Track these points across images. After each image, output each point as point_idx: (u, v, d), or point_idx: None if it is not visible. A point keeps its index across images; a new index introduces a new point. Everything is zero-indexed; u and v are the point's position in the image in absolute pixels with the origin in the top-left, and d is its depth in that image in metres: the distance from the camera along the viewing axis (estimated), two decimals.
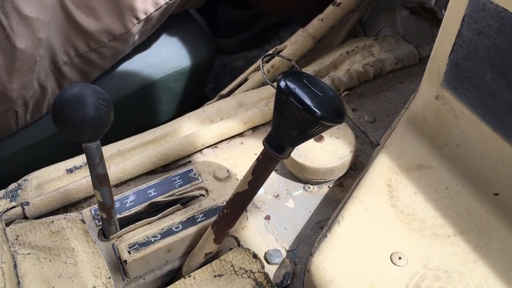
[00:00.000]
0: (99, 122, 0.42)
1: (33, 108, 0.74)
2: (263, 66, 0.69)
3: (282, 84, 0.38)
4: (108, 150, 0.61)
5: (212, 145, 0.62)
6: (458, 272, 0.43)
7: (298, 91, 0.37)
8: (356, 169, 0.59)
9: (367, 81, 0.69)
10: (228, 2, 1.28)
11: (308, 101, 0.37)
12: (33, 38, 0.66)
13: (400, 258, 0.44)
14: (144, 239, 0.50)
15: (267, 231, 0.53)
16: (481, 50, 0.48)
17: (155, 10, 0.78)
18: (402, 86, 0.69)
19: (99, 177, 0.46)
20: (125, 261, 0.48)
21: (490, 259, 0.44)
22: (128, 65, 0.84)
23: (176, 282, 0.48)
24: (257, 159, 0.43)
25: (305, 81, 0.39)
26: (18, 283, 0.47)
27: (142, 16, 0.76)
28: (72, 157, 0.61)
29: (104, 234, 0.52)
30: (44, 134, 0.78)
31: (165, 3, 0.79)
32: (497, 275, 0.43)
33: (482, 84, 0.49)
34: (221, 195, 0.55)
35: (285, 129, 0.39)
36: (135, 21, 0.76)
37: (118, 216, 0.53)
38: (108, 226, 0.50)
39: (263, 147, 0.42)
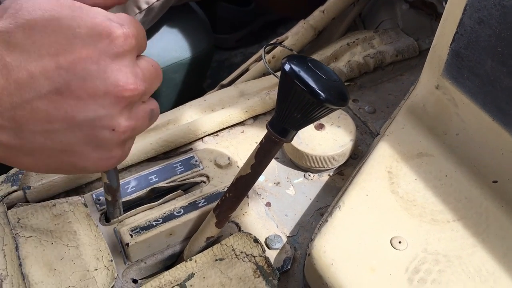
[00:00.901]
0: None
1: None
2: (265, 56, 0.70)
3: (287, 67, 0.38)
4: None
5: (213, 133, 0.62)
6: (457, 257, 0.44)
7: (303, 74, 0.38)
8: (356, 158, 0.59)
9: (367, 73, 0.69)
10: None
11: (312, 84, 0.37)
12: None
13: (400, 242, 0.45)
14: (145, 223, 0.50)
15: (267, 217, 0.54)
16: (482, 39, 0.48)
17: (157, 0, 0.78)
18: (402, 78, 0.70)
19: None
20: (127, 244, 0.48)
21: (488, 244, 0.45)
22: None
23: (178, 266, 0.48)
24: (260, 143, 0.43)
25: (309, 64, 0.39)
26: (20, 265, 0.47)
27: (144, 6, 0.77)
28: None
29: (106, 218, 0.53)
30: None
31: None
32: (495, 260, 0.44)
33: (483, 73, 0.49)
34: (222, 181, 0.56)
35: (289, 112, 0.40)
36: (137, 11, 0.76)
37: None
38: (112, 209, 0.50)
39: (263, 136, 0.42)
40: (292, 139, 0.42)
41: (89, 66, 0.33)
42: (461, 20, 0.50)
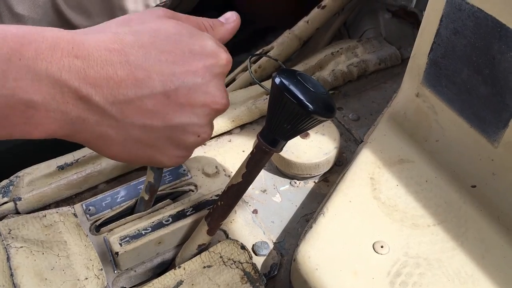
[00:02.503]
0: None
1: None
2: (250, 66, 0.71)
3: (277, 80, 0.40)
4: None
5: None
6: (437, 260, 0.45)
7: (292, 87, 0.40)
8: (341, 165, 0.61)
9: (351, 81, 0.71)
10: (215, 7, 1.30)
11: (301, 96, 0.39)
12: None
13: (382, 247, 0.46)
14: (135, 232, 0.51)
15: (254, 224, 0.55)
16: (458, 49, 0.50)
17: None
18: (385, 85, 0.72)
19: None
20: (117, 253, 0.49)
21: (467, 247, 0.46)
22: None
23: (167, 273, 0.49)
24: (251, 153, 0.45)
25: (298, 77, 0.41)
26: (11, 275, 0.48)
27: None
28: (63, 155, 0.62)
29: (96, 228, 0.54)
30: None
31: (155, 5, 0.80)
32: (474, 262, 0.45)
33: (459, 81, 0.51)
34: (209, 190, 0.57)
35: (279, 123, 0.41)
36: None
37: (110, 211, 0.54)
38: (143, 208, 0.52)
39: (251, 145, 0.44)
40: (281, 149, 0.44)
41: (196, 79, 0.38)
42: (438, 31, 0.52)
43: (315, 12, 0.75)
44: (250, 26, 1.40)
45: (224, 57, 0.41)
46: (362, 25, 0.83)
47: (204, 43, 0.39)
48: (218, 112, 0.41)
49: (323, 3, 0.75)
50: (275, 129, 0.42)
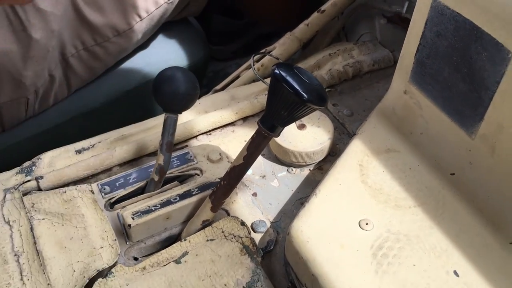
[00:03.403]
0: (188, 98, 0.55)
1: (41, 97, 0.81)
2: (254, 64, 0.77)
3: (276, 72, 0.46)
4: (113, 135, 0.68)
5: (206, 132, 0.69)
6: (416, 236, 0.51)
7: (289, 78, 0.45)
8: (334, 155, 0.66)
9: (347, 80, 0.77)
10: (222, 11, 1.36)
11: (297, 86, 0.44)
12: (47, 29, 0.73)
13: (367, 224, 0.52)
14: (145, 208, 0.57)
15: (254, 205, 0.60)
16: (440, 50, 0.56)
17: (156, 9, 0.86)
18: (378, 85, 0.77)
19: (168, 144, 0.57)
20: (129, 225, 0.55)
21: (443, 226, 0.52)
22: (129, 63, 0.92)
23: (173, 245, 0.54)
24: (252, 137, 0.50)
25: (295, 70, 0.46)
26: (34, 243, 0.54)
27: (144, 14, 0.84)
28: None
29: (110, 205, 0.59)
30: (50, 123, 0.85)
31: (164, 3, 0.87)
32: (449, 239, 0.51)
33: (442, 79, 0.57)
34: (213, 174, 0.62)
35: (277, 111, 0.47)
36: (138, 19, 0.84)
37: (122, 191, 0.60)
38: (153, 189, 0.59)
39: (252, 134, 0.50)
40: (279, 134, 0.50)
41: None
42: (423, 33, 0.57)
43: (314, 16, 0.81)
44: (255, 30, 1.46)
45: None
46: (359, 29, 0.89)
47: None
48: None
49: (322, 8, 0.81)
50: (273, 116, 0.48)
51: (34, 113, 0.83)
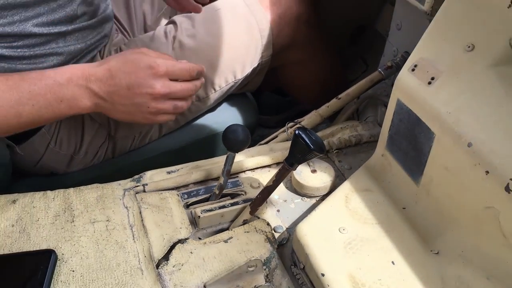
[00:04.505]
0: (244, 143, 0.88)
1: (142, 136, 1.19)
2: (287, 129, 1.13)
3: (297, 132, 0.81)
4: (190, 165, 1.04)
5: (251, 169, 1.04)
6: (372, 239, 0.82)
7: (304, 136, 0.80)
8: None
9: (350, 146, 1.11)
10: (272, 90, 1.75)
11: (307, 141, 0.79)
12: None
13: (344, 230, 0.84)
14: (209, 208, 0.92)
15: (276, 216, 0.94)
16: (401, 130, 0.90)
17: (225, 85, 1.24)
18: (371, 152, 1.11)
19: (227, 171, 0.90)
20: (199, 216, 0.90)
21: (391, 236, 0.83)
22: (203, 120, 1.30)
23: (224, 232, 0.88)
24: (279, 169, 0.85)
25: (307, 132, 0.82)
26: (142, 220, 0.89)
27: (217, 88, 1.23)
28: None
29: (187, 206, 0.94)
30: (147, 155, 1.22)
31: (232, 82, 1.25)
32: (392, 243, 0.82)
33: (402, 148, 0.90)
34: (253, 195, 0.96)
35: (295, 154, 0.82)
36: (213, 91, 1.22)
37: (195, 199, 0.95)
38: (214, 199, 0.93)
39: (281, 167, 0.84)
40: (295, 169, 0.84)
41: (140, 80, 0.94)
42: (392, 119, 0.92)
43: (333, 101, 1.17)
44: (297, 106, 1.83)
45: (158, 87, 0.96)
46: (367, 112, 1.24)
47: (151, 82, 0.95)
48: (154, 95, 0.96)
49: (339, 96, 1.17)
50: (292, 157, 0.83)
51: (134, 148, 1.21)
